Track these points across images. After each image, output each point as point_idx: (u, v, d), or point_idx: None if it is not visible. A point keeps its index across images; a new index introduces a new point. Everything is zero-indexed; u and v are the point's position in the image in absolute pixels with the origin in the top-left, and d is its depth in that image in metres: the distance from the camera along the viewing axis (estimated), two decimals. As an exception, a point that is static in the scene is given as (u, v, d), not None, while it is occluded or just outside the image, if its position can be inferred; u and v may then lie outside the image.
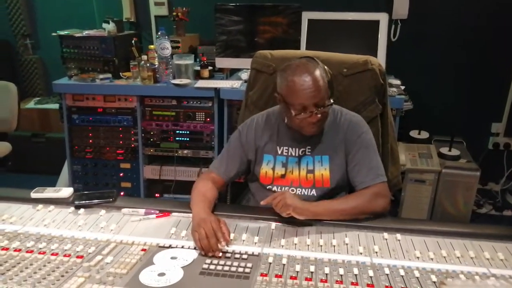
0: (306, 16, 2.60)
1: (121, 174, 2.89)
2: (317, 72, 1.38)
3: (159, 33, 2.69)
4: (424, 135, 2.92)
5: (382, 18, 2.50)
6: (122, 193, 2.84)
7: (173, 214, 1.42)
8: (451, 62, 3.02)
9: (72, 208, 1.45)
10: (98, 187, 2.89)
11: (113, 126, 2.80)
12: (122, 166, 2.87)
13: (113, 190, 1.55)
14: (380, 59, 2.27)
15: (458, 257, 1.19)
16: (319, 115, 1.39)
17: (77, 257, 1.17)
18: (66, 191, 1.52)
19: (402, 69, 2.72)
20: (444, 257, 1.19)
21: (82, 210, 1.44)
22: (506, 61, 2.99)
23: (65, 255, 1.18)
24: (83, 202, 1.46)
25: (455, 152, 2.66)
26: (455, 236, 1.28)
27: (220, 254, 1.19)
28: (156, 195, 2.90)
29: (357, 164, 1.48)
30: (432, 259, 1.18)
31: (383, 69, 1.71)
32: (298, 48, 2.57)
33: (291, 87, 1.38)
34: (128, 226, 1.35)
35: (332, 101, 1.42)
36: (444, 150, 2.68)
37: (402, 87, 2.57)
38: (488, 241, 1.25)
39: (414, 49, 3.00)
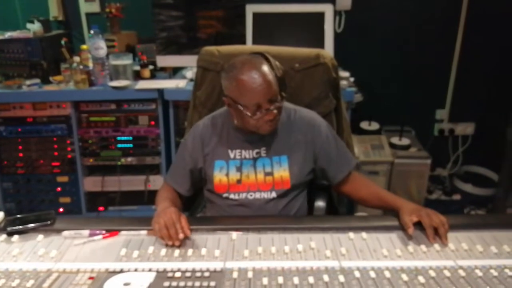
0: (251, 9, 2.54)
1: (59, 189, 2.70)
2: (265, 67, 1.33)
3: (91, 31, 2.52)
4: (375, 126, 2.98)
5: (327, 9, 2.50)
6: (61, 209, 2.67)
7: (122, 232, 1.30)
8: (395, 52, 3.09)
9: (4, 236, 1.29)
10: (33, 204, 2.68)
11: (45, 137, 2.61)
12: (59, 179, 2.69)
13: (50, 211, 1.39)
14: (328, 51, 2.26)
15: (424, 252, 1.18)
16: (275, 111, 1.34)
17: None
18: (-5, 216, 1.34)
19: (349, 60, 2.73)
20: (411, 253, 1.18)
21: (16, 237, 1.28)
22: (447, 49, 3.11)
23: (-3, 294, 1.03)
24: (17, 227, 1.30)
25: (405, 141, 2.74)
26: (419, 229, 1.26)
27: (178, 243, 1.21)
28: (100, 208, 2.74)
29: (332, 159, 1.51)
30: (399, 256, 1.16)
31: (335, 63, 1.69)
32: (244, 43, 2.51)
33: (242, 87, 1.31)
34: (71, 251, 1.21)
35: (284, 94, 1.38)
36: (395, 140, 2.74)
37: (352, 79, 2.59)
38: (451, 231, 1.24)
39: (359, 40, 3.04)
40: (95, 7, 3.00)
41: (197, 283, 1.05)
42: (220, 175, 1.47)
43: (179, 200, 1.51)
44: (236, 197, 1.47)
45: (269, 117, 1.34)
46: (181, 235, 1.21)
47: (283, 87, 1.40)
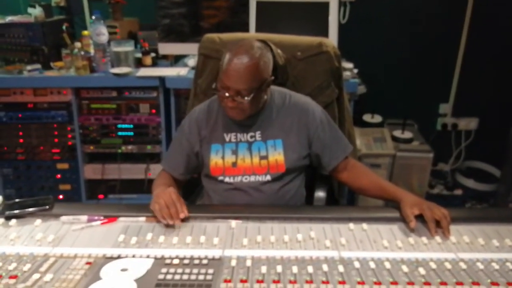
0: (255, -2, 2.51)
1: (59, 176, 2.69)
2: (253, 60, 1.33)
3: (93, 17, 2.50)
4: (377, 118, 2.98)
5: (332, -1, 2.47)
6: (60, 197, 2.66)
7: (120, 219, 1.29)
8: (400, 45, 3.07)
9: (2, 220, 1.28)
10: (33, 191, 2.68)
11: (46, 123, 2.59)
12: (59, 166, 2.67)
13: (49, 196, 1.38)
14: (332, 41, 2.25)
15: (425, 244, 1.17)
16: (234, 102, 1.35)
17: (10, 277, 1.02)
18: (-7, 200, 1.33)
19: (353, 52, 2.72)
20: (412, 244, 1.17)
21: (13, 221, 1.27)
22: (452, 43, 3.09)
23: (-6, 277, 1.02)
24: (15, 212, 1.29)
25: (408, 134, 2.73)
26: (420, 221, 1.25)
27: (179, 223, 1.24)
28: (100, 196, 2.73)
29: (326, 145, 1.50)
30: (400, 248, 1.15)
31: (337, 52, 1.69)
32: (247, 31, 2.48)
33: (226, 63, 1.34)
34: (69, 237, 1.21)
35: (250, 97, 1.35)
36: (397, 133, 2.74)
37: (355, 70, 2.57)
38: (452, 224, 1.23)
39: (363, 31, 3.02)
40: (97, -7, 2.98)
41: (195, 270, 1.04)
42: (216, 158, 1.48)
43: (175, 185, 1.51)
44: (231, 180, 1.48)
45: (229, 104, 1.36)
46: (181, 214, 1.24)
47: (284, 75, 1.38)
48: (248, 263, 1.08)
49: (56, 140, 2.62)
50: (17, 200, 1.36)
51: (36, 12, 2.59)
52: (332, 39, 2.37)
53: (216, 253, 1.12)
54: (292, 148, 1.47)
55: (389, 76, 3.10)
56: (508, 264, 1.08)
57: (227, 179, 1.48)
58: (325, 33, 2.42)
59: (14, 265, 1.07)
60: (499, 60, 3.01)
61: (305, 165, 1.55)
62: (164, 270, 1.05)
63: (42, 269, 1.05)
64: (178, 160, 1.54)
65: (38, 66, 2.54)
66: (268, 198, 1.47)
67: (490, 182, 3.22)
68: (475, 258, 1.11)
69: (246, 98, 1.34)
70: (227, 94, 1.34)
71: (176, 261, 1.08)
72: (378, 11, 2.99)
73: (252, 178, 1.47)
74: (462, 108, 3.24)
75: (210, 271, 1.04)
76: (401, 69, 3.12)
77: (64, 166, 2.67)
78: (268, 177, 1.47)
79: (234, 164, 1.47)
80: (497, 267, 1.07)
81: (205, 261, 1.08)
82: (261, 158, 1.47)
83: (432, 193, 3.17)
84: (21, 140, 2.62)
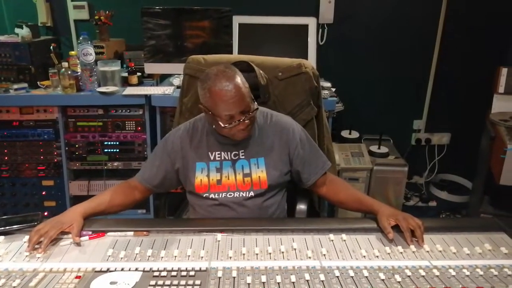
0: (237, 20, 2.59)
1: (44, 193, 2.67)
2: (238, 79, 1.37)
3: (81, 38, 2.53)
4: (355, 134, 3.05)
5: (311, 22, 2.56)
6: (46, 213, 2.62)
7: (108, 234, 1.32)
8: (375, 64, 3.19)
9: (-10, 236, 1.28)
10: (18, 208, 2.65)
11: (32, 141, 2.58)
12: (45, 183, 2.66)
13: (37, 212, 1.40)
14: (311, 62, 2.32)
15: (401, 252, 1.23)
16: (247, 121, 1.39)
17: None
18: (-19, 218, 1.34)
19: (330, 71, 2.81)
20: (388, 253, 1.22)
21: (1, 237, 1.28)
22: (424, 63, 3.22)
23: (-16, 293, 1.03)
24: (3, 228, 1.30)
25: (383, 149, 2.81)
26: (396, 231, 1.31)
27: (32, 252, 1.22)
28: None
29: (306, 162, 1.55)
30: (377, 256, 1.21)
31: (316, 72, 1.75)
32: (231, 52, 2.54)
33: (214, 98, 1.36)
34: (57, 252, 1.22)
35: (256, 105, 1.42)
36: (374, 148, 2.81)
37: (333, 89, 2.66)
38: (426, 234, 1.30)
39: (340, 52, 3.12)
40: (84, 14, 3.02)
41: (183, 282, 1.07)
42: (201, 176, 1.51)
43: (118, 196, 1.50)
44: (216, 196, 1.51)
45: (241, 127, 1.39)
46: (39, 250, 1.22)
47: (266, 94, 1.43)
48: (234, 273, 1.11)
49: (42, 157, 2.61)
50: (4, 216, 1.37)
51: (23, 32, 2.60)
52: (311, 60, 2.47)
53: (202, 265, 1.15)
54: (274, 166, 1.52)
55: (365, 94, 3.21)
56: (478, 270, 1.14)
57: (212, 196, 1.51)
58: (304, 54, 2.50)
59: (3, 281, 1.07)
60: (470, 79, 3.14)
61: (287, 181, 1.59)
62: (152, 282, 1.07)
63: (32, 284, 1.06)
64: (156, 172, 1.54)
65: (25, 85, 2.54)
66: (252, 212, 1.51)
67: (463, 194, 3.33)
68: (447, 265, 1.16)
69: (253, 110, 1.39)
70: (237, 121, 1.37)
71: (164, 273, 1.11)
72: (353, 32, 3.10)
73: (236, 194, 1.51)
74: (435, 124, 3.36)
75: (197, 282, 1.07)
76: (376, 88, 3.23)
77: (49, 183, 2.66)
78: (252, 193, 1.51)
79: (219, 181, 1.50)
80: (467, 273, 1.13)
81: (192, 273, 1.11)
82: (245, 175, 1.51)
83: (408, 205, 3.25)
84: (6, 158, 2.60)
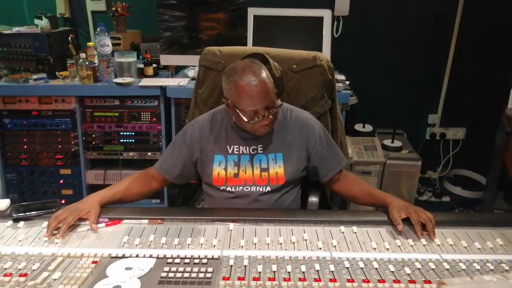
0: (252, 12, 2.58)
1: (61, 181, 2.73)
2: (264, 74, 1.37)
3: (98, 29, 2.57)
4: (368, 128, 3.04)
5: (326, 14, 2.55)
6: (63, 201, 2.67)
7: (124, 221, 1.35)
8: (390, 57, 3.15)
9: (10, 222, 1.33)
10: (36, 196, 2.72)
11: (50, 130, 2.64)
12: (62, 172, 2.72)
13: (55, 199, 1.44)
14: (325, 54, 2.32)
15: (411, 246, 1.23)
16: (271, 117, 1.40)
17: (20, 275, 1.07)
18: (2, 203, 1.39)
19: (345, 64, 2.80)
20: (399, 246, 1.23)
21: (21, 223, 1.32)
22: (440, 57, 3.18)
23: (5, 275, 1.07)
24: (22, 214, 1.34)
25: (397, 143, 2.79)
26: (407, 224, 1.32)
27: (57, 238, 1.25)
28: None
29: (323, 158, 1.56)
30: (388, 249, 1.22)
31: (331, 65, 1.75)
32: (245, 44, 2.54)
33: (240, 93, 1.36)
34: (75, 238, 1.26)
35: (280, 101, 1.43)
36: (387, 142, 2.80)
37: (347, 82, 2.64)
38: (437, 228, 1.30)
39: (355, 45, 3.10)
40: (101, 6, 3.06)
41: (195, 269, 1.10)
42: (219, 169, 1.52)
43: (135, 185, 1.53)
44: (233, 189, 1.52)
45: (265, 122, 1.40)
46: (57, 235, 1.25)
47: (281, 87, 1.43)
48: (245, 262, 1.13)
49: (59, 146, 2.67)
50: (24, 203, 1.40)
51: (43, 23, 2.64)
52: (325, 52, 2.45)
53: (215, 253, 1.18)
54: (291, 162, 1.52)
55: (380, 87, 3.18)
56: (488, 264, 1.14)
57: (228, 189, 1.52)
58: (319, 46, 2.49)
59: (23, 264, 1.11)
60: (486, 73, 3.09)
61: (303, 176, 1.60)
62: (166, 268, 1.10)
63: (51, 267, 1.10)
64: (174, 164, 1.56)
65: (44, 75, 2.59)
66: (266, 207, 1.52)
67: (477, 190, 3.29)
68: (457, 259, 1.17)
69: (277, 106, 1.40)
70: (260, 117, 1.37)
71: (177, 261, 1.13)
72: (369, 25, 3.08)
73: (253, 188, 1.52)
74: (450, 118, 3.33)
75: (210, 269, 1.10)
76: (391, 81, 3.20)
77: (67, 171, 2.71)
78: (268, 188, 1.52)
79: (236, 175, 1.52)
80: (478, 267, 1.13)
81: (204, 260, 1.14)
82: (262, 170, 1.52)
83: (421, 200, 3.23)
84: (25, 146, 2.66)
